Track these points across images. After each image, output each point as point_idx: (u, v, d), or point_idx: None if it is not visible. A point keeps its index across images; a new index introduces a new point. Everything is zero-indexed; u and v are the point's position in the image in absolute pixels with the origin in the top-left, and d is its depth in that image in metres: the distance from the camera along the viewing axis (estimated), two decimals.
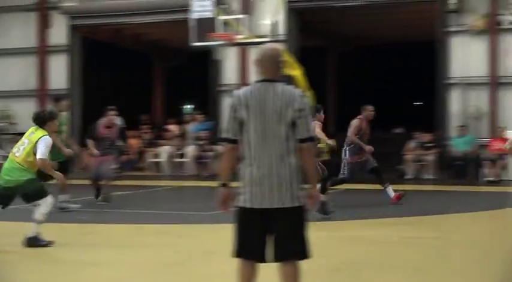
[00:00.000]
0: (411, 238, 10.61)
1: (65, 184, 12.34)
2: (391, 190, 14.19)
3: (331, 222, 11.88)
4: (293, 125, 5.49)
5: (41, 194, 9.73)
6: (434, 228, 11.79)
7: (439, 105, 20.95)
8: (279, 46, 6.00)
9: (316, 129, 12.61)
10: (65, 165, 13.22)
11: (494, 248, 10.02)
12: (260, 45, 5.90)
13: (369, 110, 14.34)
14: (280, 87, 5.55)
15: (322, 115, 13.12)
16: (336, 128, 27.38)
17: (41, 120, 10.00)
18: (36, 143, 9.69)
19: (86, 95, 24.58)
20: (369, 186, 15.39)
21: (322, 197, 12.21)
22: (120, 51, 27.79)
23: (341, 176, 13.88)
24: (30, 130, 10.01)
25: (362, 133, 14.09)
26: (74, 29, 24.38)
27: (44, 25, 24.47)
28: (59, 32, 24.37)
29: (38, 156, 9.65)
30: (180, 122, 25.05)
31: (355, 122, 14.16)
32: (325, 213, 12.25)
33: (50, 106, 10.10)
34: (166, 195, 18.16)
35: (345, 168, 13.90)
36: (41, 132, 9.84)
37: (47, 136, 9.80)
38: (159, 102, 31.04)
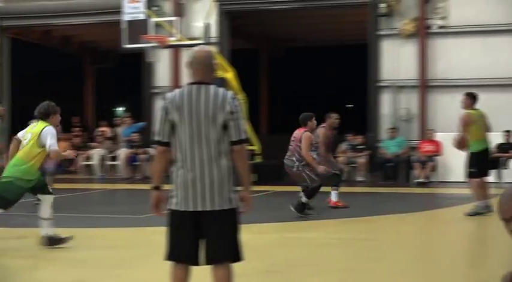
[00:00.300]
0: (342, 239, 10.73)
1: None
2: (336, 195, 14.09)
3: (264, 224, 11.90)
4: (225, 127, 5.48)
5: None
6: (365, 229, 11.94)
7: (370, 108, 21.20)
8: (211, 48, 6.01)
9: (306, 151, 12.50)
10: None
11: (423, 249, 10.23)
12: (192, 48, 5.88)
13: (333, 118, 14.13)
14: (212, 89, 5.53)
15: (314, 122, 12.82)
16: (267, 129, 27.56)
17: (45, 113, 9.75)
18: (39, 135, 9.42)
19: (15, 97, 24.20)
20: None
21: (306, 200, 12.67)
22: (50, 53, 27.46)
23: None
24: (32, 124, 9.81)
25: (328, 141, 13.92)
26: (2, 30, 24.01)
27: None
28: None
29: (50, 148, 9.37)
30: (112, 124, 24.84)
31: (321, 131, 13.79)
32: (303, 213, 12.60)
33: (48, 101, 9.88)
34: (99, 199, 17.98)
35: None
36: (43, 123, 9.61)
37: (50, 126, 9.56)
38: (90, 105, 30.73)
